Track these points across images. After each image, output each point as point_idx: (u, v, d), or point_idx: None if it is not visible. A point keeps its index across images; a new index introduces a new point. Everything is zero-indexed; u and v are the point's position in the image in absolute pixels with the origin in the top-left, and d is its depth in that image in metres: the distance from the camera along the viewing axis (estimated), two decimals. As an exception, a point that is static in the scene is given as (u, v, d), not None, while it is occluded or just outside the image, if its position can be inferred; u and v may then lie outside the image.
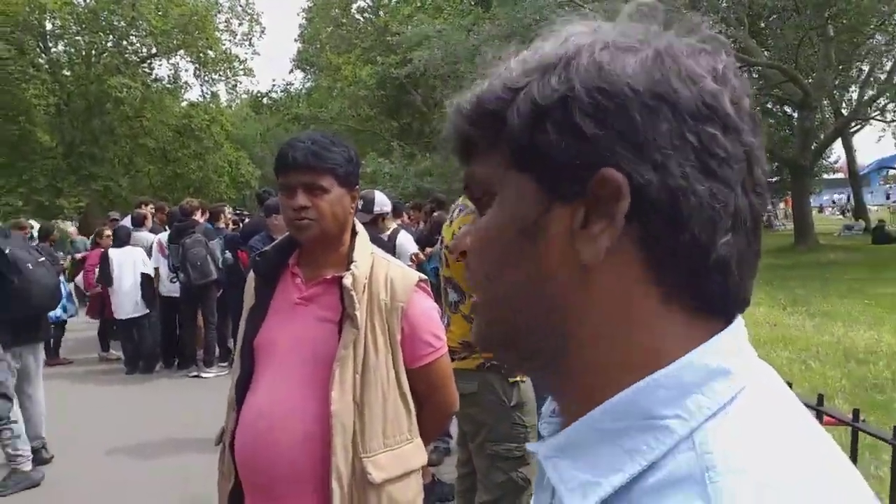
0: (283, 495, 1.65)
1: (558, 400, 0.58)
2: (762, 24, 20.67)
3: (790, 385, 2.07)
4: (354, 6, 31.70)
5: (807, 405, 2.44)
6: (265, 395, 1.69)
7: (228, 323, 8.22)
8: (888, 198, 40.03)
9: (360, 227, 1.84)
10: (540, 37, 0.56)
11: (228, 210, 9.93)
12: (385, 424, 1.69)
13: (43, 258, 4.92)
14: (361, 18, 31.35)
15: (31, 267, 4.64)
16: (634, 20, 0.55)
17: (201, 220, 8.04)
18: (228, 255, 7.95)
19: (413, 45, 20.87)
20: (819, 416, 2.22)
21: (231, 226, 9.37)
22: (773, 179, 30.26)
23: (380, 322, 1.70)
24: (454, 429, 3.74)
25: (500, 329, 0.57)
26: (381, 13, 30.03)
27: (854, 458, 2.19)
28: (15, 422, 4.60)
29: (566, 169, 0.50)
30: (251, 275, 1.86)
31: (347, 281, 1.67)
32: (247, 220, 9.93)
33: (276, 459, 1.63)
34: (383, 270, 1.76)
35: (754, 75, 20.79)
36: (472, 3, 21.79)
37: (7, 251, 4.53)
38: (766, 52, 19.51)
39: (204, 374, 7.66)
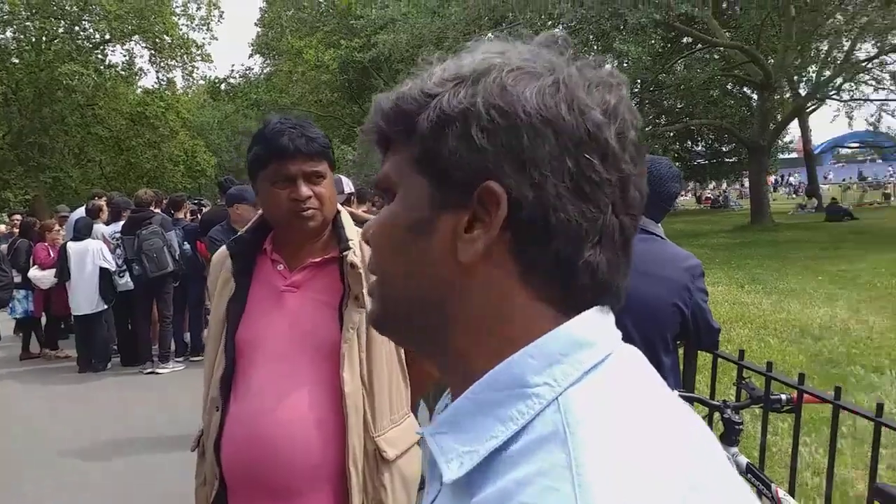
0: (298, 491, 1.58)
1: (449, 380, 0.63)
2: (724, 5, 20.78)
3: (769, 366, 2.03)
4: (315, -11, 31.12)
5: (787, 384, 2.44)
6: (266, 391, 1.60)
7: (186, 317, 7.97)
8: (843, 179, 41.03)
9: (340, 207, 1.77)
10: (466, 49, 0.62)
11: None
12: (391, 400, 1.70)
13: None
14: (323, 1, 30.78)
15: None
16: (548, 48, 0.61)
17: (157, 211, 7.75)
18: (187, 246, 7.66)
19: (377, 28, 20.54)
20: (800, 394, 2.41)
21: (189, 216, 9.04)
22: (732, 160, 30.78)
23: None
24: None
25: (391, 307, 0.64)
26: (342, -4, 29.52)
27: (835, 433, 2.36)
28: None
29: (458, 178, 0.57)
30: (222, 264, 1.75)
31: (356, 259, 1.63)
32: (205, 209, 9.56)
33: (292, 456, 1.57)
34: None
35: (716, 56, 20.94)
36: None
37: None
38: (727, 34, 19.61)
39: (160, 370, 7.41)
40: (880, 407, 2.09)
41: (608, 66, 0.61)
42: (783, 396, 2.50)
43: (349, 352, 1.61)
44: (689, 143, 31.23)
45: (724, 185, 41.15)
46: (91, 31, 25.89)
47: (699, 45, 19.99)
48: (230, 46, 38.70)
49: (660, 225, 2.49)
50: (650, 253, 2.30)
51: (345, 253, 1.65)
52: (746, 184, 28.94)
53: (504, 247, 0.56)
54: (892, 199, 29.66)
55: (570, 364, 0.54)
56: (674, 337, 2.41)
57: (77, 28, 25.24)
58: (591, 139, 0.55)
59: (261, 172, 1.63)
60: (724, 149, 30.87)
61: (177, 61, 27.88)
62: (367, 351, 1.65)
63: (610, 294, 0.59)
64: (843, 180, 41.48)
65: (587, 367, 0.54)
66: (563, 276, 0.57)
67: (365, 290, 1.58)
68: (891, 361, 6.12)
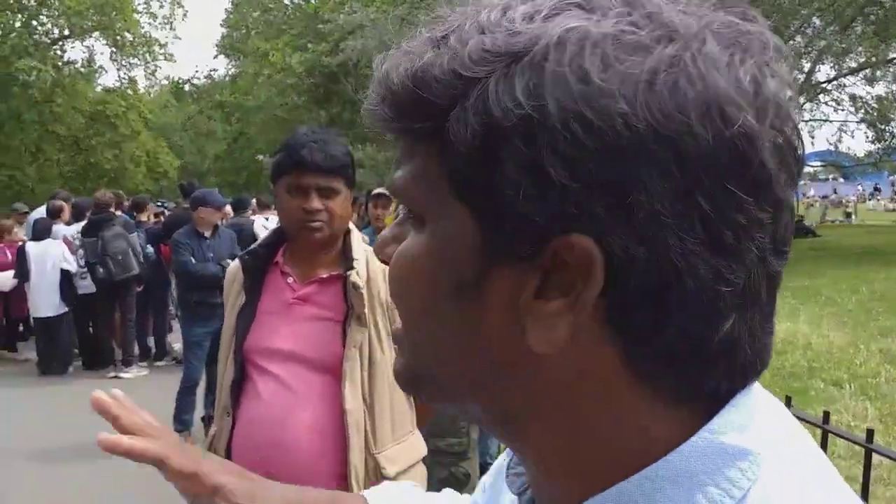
0: None
1: (518, 455, 0.48)
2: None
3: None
4: (282, -9, 30.93)
5: None
6: (271, 400, 1.66)
7: (149, 320, 7.85)
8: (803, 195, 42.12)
9: (351, 225, 1.81)
10: None
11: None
12: (393, 419, 1.72)
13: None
14: (290, 4, 30.59)
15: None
16: None
17: (118, 213, 7.65)
18: (150, 249, 7.57)
19: (345, 33, 20.47)
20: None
21: (153, 218, 8.93)
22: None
23: (381, 318, 1.71)
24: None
25: (425, 378, 0.45)
26: None
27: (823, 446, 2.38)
28: None
29: (522, 224, 0.37)
30: (236, 274, 1.81)
31: (359, 280, 1.66)
32: (167, 212, 9.44)
33: (293, 465, 1.60)
34: (379, 266, 1.73)
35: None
36: (406, -9, 21.50)
37: None
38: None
39: (123, 375, 7.27)
40: (826, 415, 2.17)
41: (746, 9, 0.40)
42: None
43: (351, 370, 1.65)
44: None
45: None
46: (49, 26, 25.24)
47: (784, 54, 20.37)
48: (194, 46, 38.21)
49: None
50: None
51: (348, 273, 1.68)
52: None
53: (599, 321, 0.38)
54: (854, 217, 30.61)
55: (721, 486, 0.38)
56: None
57: (35, 23, 24.56)
58: (736, 164, 0.36)
59: (280, 179, 1.70)
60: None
61: (139, 60, 27.43)
62: (370, 370, 1.68)
63: (755, 373, 0.41)
64: (806, 197, 42.65)
65: (744, 487, 0.38)
66: (690, 362, 0.39)
67: (367, 311, 1.65)
68: (849, 375, 6.27)
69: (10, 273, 7.60)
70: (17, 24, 24.09)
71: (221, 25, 32.70)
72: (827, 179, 47.72)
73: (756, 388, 0.42)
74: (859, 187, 44.36)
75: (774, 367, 6.59)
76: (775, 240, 0.39)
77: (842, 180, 43.65)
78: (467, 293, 0.40)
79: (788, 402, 2.40)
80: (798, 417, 2.33)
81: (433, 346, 0.44)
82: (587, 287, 0.37)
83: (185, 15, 31.19)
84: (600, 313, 0.38)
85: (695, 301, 0.37)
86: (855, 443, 2.22)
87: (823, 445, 2.24)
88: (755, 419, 0.40)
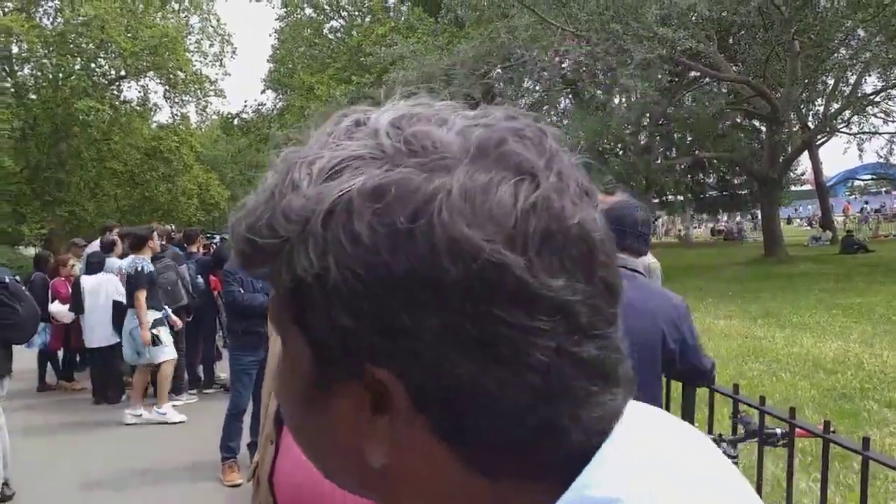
0: None
1: None
2: (731, 41, 21.02)
3: (762, 400, 2.11)
4: (327, 27, 31.67)
5: (779, 418, 2.50)
6: None
7: (199, 350, 8.04)
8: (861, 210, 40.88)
9: None
10: (352, 116, 0.47)
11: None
12: None
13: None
14: (334, 38, 31.32)
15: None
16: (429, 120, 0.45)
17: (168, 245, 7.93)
18: (200, 279, 7.78)
19: (387, 65, 20.85)
20: (792, 428, 2.43)
21: (203, 249, 9.18)
22: (743, 192, 30.82)
23: None
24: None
25: (313, 461, 0.51)
26: (354, 33, 30.01)
27: (826, 467, 2.36)
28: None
29: (338, 357, 0.43)
30: None
31: None
32: (216, 244, 9.70)
33: (335, 493, 1.53)
34: None
35: (724, 90, 21.11)
36: (447, 22, 21.84)
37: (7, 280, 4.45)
38: (734, 68, 19.80)
39: (174, 403, 7.40)
40: (866, 441, 2.14)
41: (497, 114, 0.45)
42: (778, 431, 2.55)
43: None
44: (701, 175, 31.28)
45: (738, 217, 41.12)
46: (107, 67, 26.34)
47: (706, 79, 20.18)
48: (243, 82, 39.36)
49: (652, 257, 2.54)
50: (634, 289, 2.31)
51: None
52: (759, 216, 28.96)
53: (428, 431, 0.43)
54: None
55: None
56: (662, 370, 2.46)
57: (93, 65, 25.65)
58: (491, 290, 0.40)
59: None
60: (735, 181, 30.89)
61: (190, 96, 28.36)
62: None
63: (601, 433, 0.45)
64: (860, 211, 41.39)
65: None
66: (517, 451, 0.43)
67: None
68: (904, 396, 6.06)
69: (68, 306, 7.91)
70: (77, 67, 25.19)
71: (268, 61, 33.61)
72: (879, 192, 46.23)
73: (625, 428, 0.46)
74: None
75: (825, 387, 6.48)
76: (579, 329, 0.42)
77: (894, 193, 42.24)
78: (315, 405, 0.47)
79: (827, 427, 2.35)
80: (838, 444, 2.30)
81: (306, 440, 0.50)
82: (393, 409, 0.43)
83: (234, 52, 32.30)
84: (425, 425, 0.43)
85: (494, 407, 0.41)
86: (894, 468, 2.18)
87: (864, 472, 2.19)
88: (620, 466, 0.43)
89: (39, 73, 25.27)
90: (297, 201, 0.43)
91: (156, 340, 6.65)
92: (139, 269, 6.65)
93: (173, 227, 10.13)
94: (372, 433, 0.44)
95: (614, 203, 2.57)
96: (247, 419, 5.22)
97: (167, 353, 6.82)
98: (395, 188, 0.40)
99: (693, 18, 15.96)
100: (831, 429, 2.35)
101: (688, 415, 2.89)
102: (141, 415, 6.82)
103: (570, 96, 23.60)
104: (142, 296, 6.59)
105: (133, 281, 6.66)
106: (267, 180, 0.46)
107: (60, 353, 8.68)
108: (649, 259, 3.14)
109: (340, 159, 0.43)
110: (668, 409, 2.56)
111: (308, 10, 31.34)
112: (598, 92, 18.91)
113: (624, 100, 20.66)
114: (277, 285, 0.45)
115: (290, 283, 0.43)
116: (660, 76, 16.99)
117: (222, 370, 7.68)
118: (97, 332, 7.55)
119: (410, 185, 0.40)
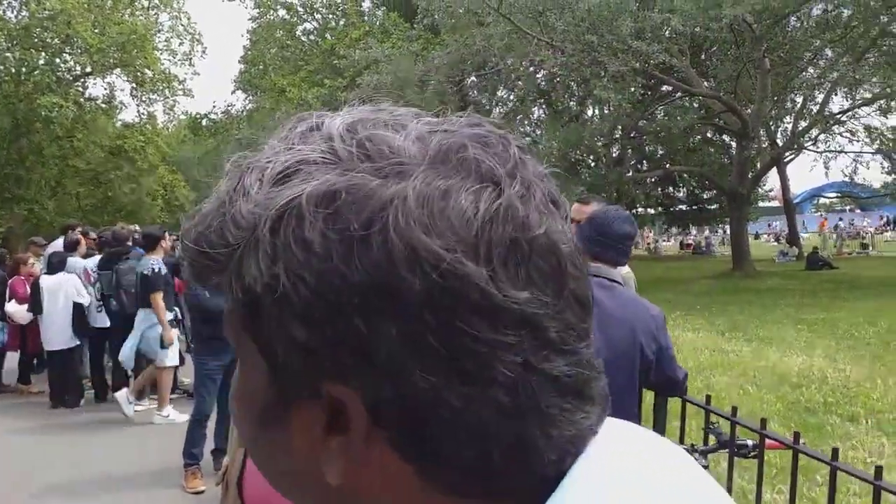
0: None
1: None
2: (703, 56, 21.37)
3: (734, 410, 2.14)
4: (300, 28, 31.47)
5: (750, 429, 2.53)
6: None
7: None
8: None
9: None
10: (296, 123, 0.45)
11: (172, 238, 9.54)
12: None
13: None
14: (307, 41, 31.14)
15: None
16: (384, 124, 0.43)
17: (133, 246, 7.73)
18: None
19: (361, 68, 20.79)
20: (762, 439, 2.45)
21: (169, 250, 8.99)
22: (713, 207, 31.35)
23: None
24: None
25: (268, 478, 0.48)
26: (327, 36, 29.89)
27: (794, 477, 2.38)
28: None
29: (295, 373, 0.41)
30: None
31: None
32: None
33: None
34: None
35: (695, 105, 21.46)
36: (422, 28, 21.85)
37: None
38: (706, 83, 20.13)
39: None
40: (835, 451, 2.15)
41: (460, 120, 0.44)
42: (749, 442, 2.55)
43: None
44: (672, 188, 31.72)
45: (707, 232, 41.75)
46: (72, 63, 25.82)
47: (678, 93, 20.50)
48: (213, 82, 38.99)
49: (627, 267, 2.52)
50: (612, 299, 2.33)
51: None
52: (728, 230, 29.49)
53: (389, 449, 0.41)
54: (871, 248, 30.35)
55: None
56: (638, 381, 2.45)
57: (58, 60, 25.11)
58: (453, 300, 0.38)
59: None
60: (705, 195, 31.38)
61: (158, 95, 27.89)
62: None
63: (573, 454, 0.43)
64: (835, 228, 42.45)
65: None
66: (484, 470, 0.41)
67: None
68: (866, 411, 6.20)
69: (26, 306, 7.69)
70: (41, 62, 24.67)
71: (239, 62, 33.32)
72: (843, 210, 47.42)
73: (599, 445, 0.44)
74: (881, 217, 43.97)
75: (790, 401, 6.58)
76: (548, 344, 0.40)
77: (859, 211, 43.38)
78: (272, 422, 0.44)
79: (797, 439, 2.36)
80: (807, 454, 2.32)
81: (265, 462, 0.48)
82: (351, 426, 0.40)
83: (204, 52, 31.89)
84: (385, 442, 0.41)
85: (458, 424, 0.39)
86: (863, 480, 2.18)
87: (832, 482, 2.20)
88: (593, 486, 0.42)
89: (2, 67, 24.63)
90: (246, 207, 0.41)
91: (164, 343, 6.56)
92: (155, 270, 6.49)
93: (137, 227, 9.90)
94: (329, 451, 0.42)
95: (603, 211, 2.54)
96: (210, 425, 5.11)
97: (172, 358, 6.69)
98: (347, 193, 0.38)
99: (666, 33, 16.20)
100: (801, 440, 2.37)
101: (659, 425, 2.89)
102: (168, 415, 6.71)
103: (544, 106, 23.78)
104: (159, 297, 6.45)
105: (149, 283, 6.48)
106: (220, 187, 0.44)
107: (17, 356, 8.42)
108: (624, 270, 3.13)
109: (291, 163, 0.41)
110: (639, 418, 2.54)
111: (281, 12, 31.11)
112: (572, 103, 19.09)
113: (597, 111, 20.88)
114: (229, 297, 0.43)
115: (241, 294, 0.41)
116: (633, 89, 17.21)
117: (185, 375, 7.51)
118: (55, 335, 7.37)
119: (364, 191, 0.38)
